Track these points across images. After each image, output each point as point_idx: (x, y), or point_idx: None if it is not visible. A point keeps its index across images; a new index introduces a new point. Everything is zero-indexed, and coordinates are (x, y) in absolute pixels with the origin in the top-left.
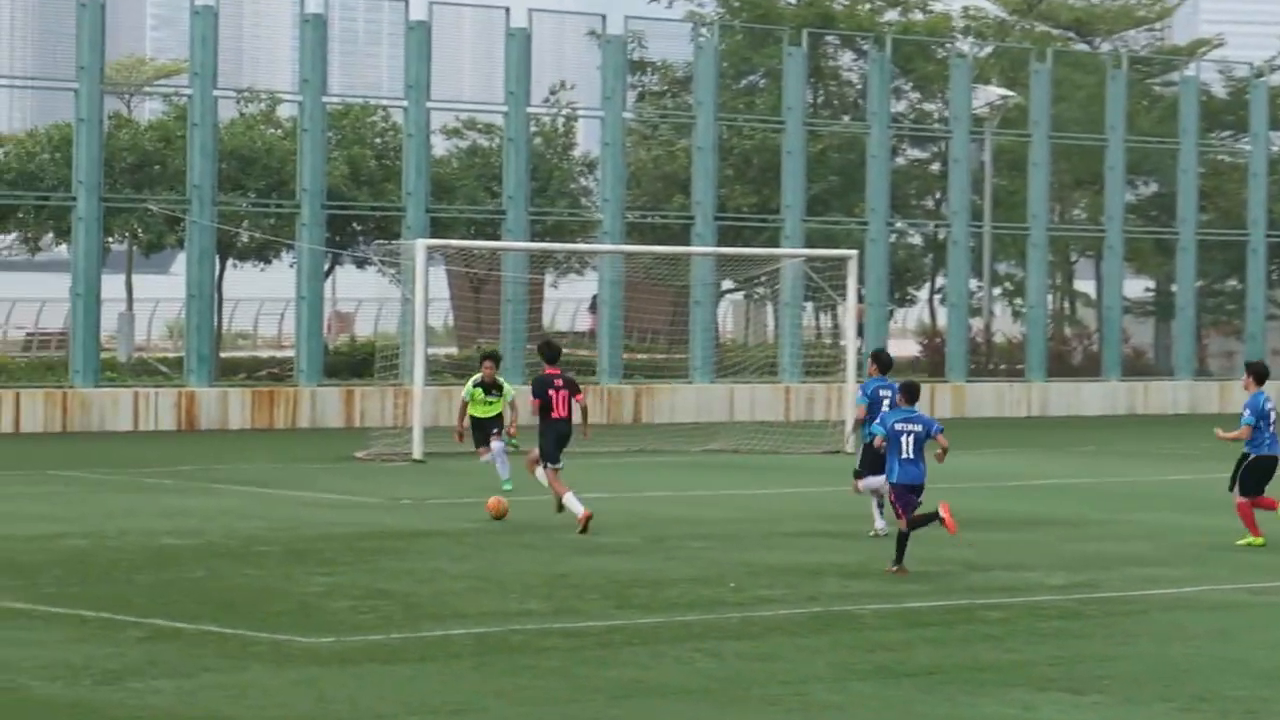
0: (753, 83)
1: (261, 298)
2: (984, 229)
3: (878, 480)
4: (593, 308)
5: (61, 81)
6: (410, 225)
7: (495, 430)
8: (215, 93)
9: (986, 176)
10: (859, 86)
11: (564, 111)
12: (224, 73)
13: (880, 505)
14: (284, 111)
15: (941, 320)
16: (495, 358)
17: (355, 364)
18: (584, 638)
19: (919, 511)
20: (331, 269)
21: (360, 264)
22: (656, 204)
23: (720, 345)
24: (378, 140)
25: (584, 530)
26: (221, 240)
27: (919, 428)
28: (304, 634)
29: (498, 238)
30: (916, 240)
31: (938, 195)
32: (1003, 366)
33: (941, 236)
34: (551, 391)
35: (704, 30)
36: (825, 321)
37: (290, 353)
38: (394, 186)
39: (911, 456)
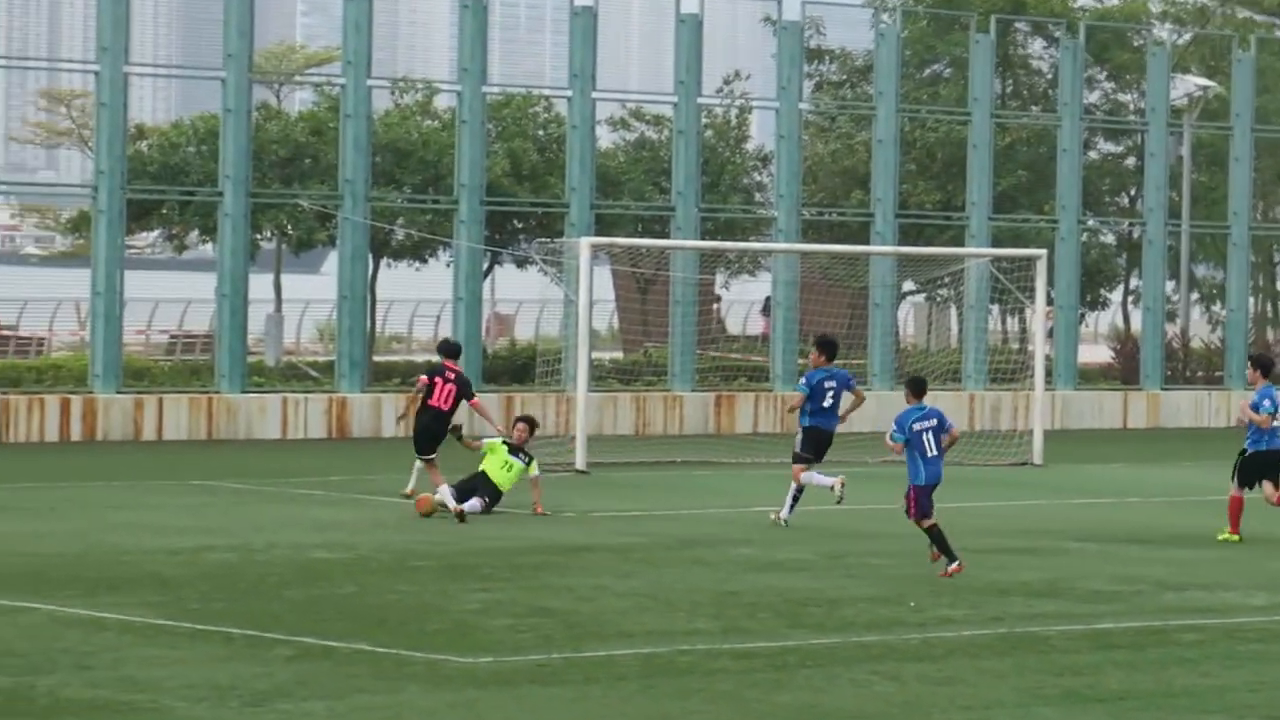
0: (937, 72)
1: (416, 299)
2: (1182, 228)
3: (826, 480)
4: (765, 310)
5: (208, 70)
6: (574, 222)
7: (486, 497)
8: (369, 82)
9: (1185, 172)
10: (1049, 76)
11: (737, 102)
12: (378, 61)
13: (797, 497)
14: (441, 102)
15: (1135, 324)
16: (531, 423)
17: (515, 369)
18: (755, 659)
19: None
20: (490, 268)
21: (521, 263)
22: (834, 200)
23: (901, 350)
24: (540, 132)
25: (428, 514)
26: (375, 238)
27: (934, 422)
28: (460, 653)
29: (666, 235)
30: (1109, 239)
31: (1132, 192)
32: (1200, 374)
33: (1136, 235)
34: (439, 379)
35: (886, 16)
36: (1012, 325)
37: None
38: (557, 181)
39: (936, 454)
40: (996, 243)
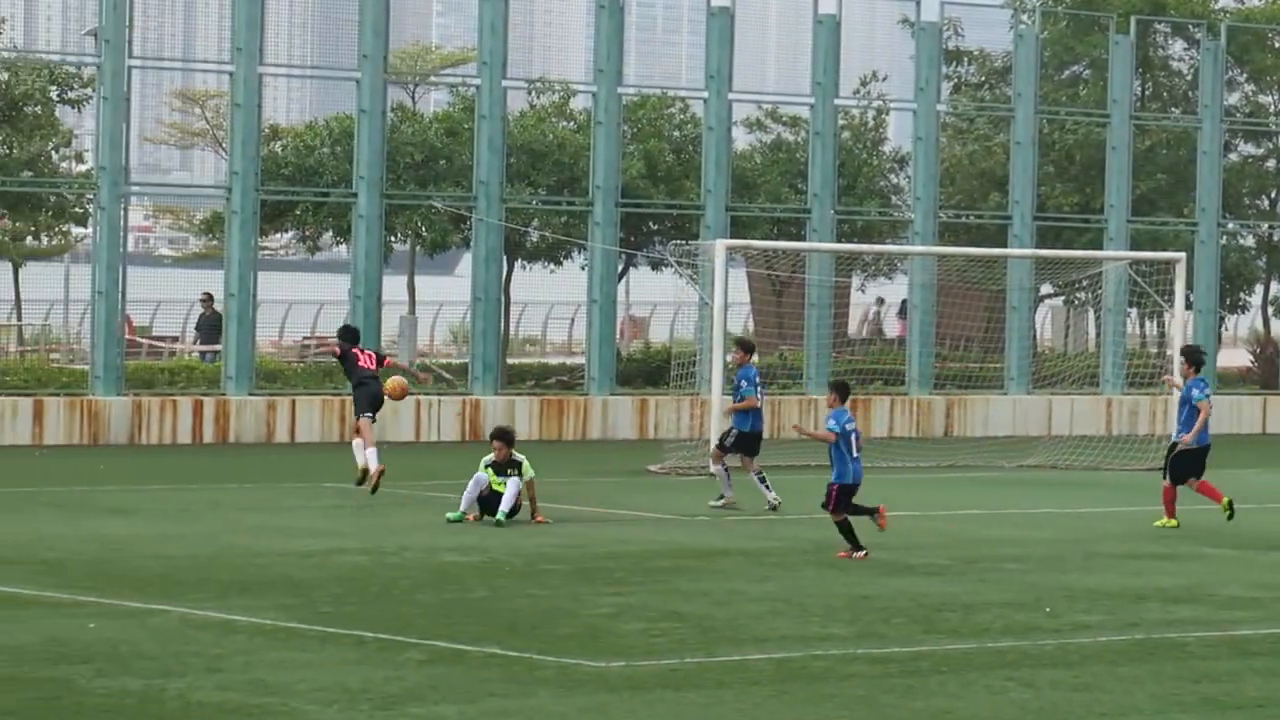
0: (1076, 73)
1: (551, 301)
2: None
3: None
4: (902, 313)
5: (342, 71)
6: (709, 224)
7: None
8: (504, 83)
9: None
10: (1190, 78)
11: (874, 104)
12: (514, 62)
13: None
14: (577, 103)
15: (1276, 328)
16: (506, 437)
17: (649, 371)
18: (889, 664)
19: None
20: (625, 271)
21: (656, 265)
22: (971, 203)
23: (1038, 354)
24: (675, 134)
25: (375, 488)
26: (509, 240)
27: (855, 425)
28: (592, 658)
29: (802, 238)
30: (1249, 242)
31: (1273, 194)
32: None
33: (1276, 238)
34: (357, 349)
35: (1025, 17)
36: (1150, 329)
37: (581, 359)
38: (692, 183)
39: (857, 455)
40: (1135, 246)
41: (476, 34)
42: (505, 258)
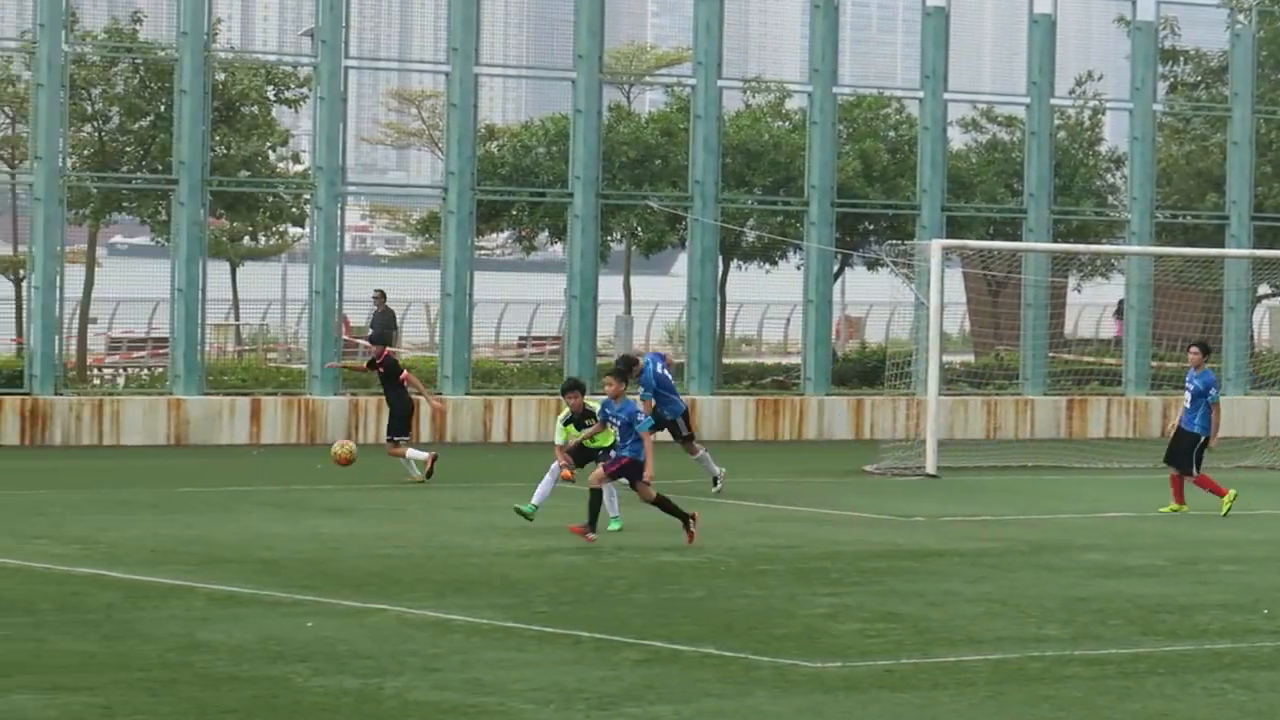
0: None
1: (766, 301)
2: None
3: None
4: (1119, 313)
5: (558, 71)
6: (925, 224)
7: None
8: (720, 83)
9: None
10: None
11: (1090, 103)
12: (729, 62)
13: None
14: (792, 103)
15: None
16: (579, 387)
17: (865, 371)
18: (1106, 665)
19: (666, 499)
20: (841, 271)
21: (871, 265)
22: (1188, 203)
23: (1255, 354)
24: (891, 133)
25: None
26: (725, 240)
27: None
28: (809, 658)
29: (1018, 238)
30: None
31: None
32: None
33: None
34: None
35: (1241, 16)
36: None
37: (796, 359)
38: (908, 183)
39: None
40: None
41: (692, 34)
42: (721, 257)
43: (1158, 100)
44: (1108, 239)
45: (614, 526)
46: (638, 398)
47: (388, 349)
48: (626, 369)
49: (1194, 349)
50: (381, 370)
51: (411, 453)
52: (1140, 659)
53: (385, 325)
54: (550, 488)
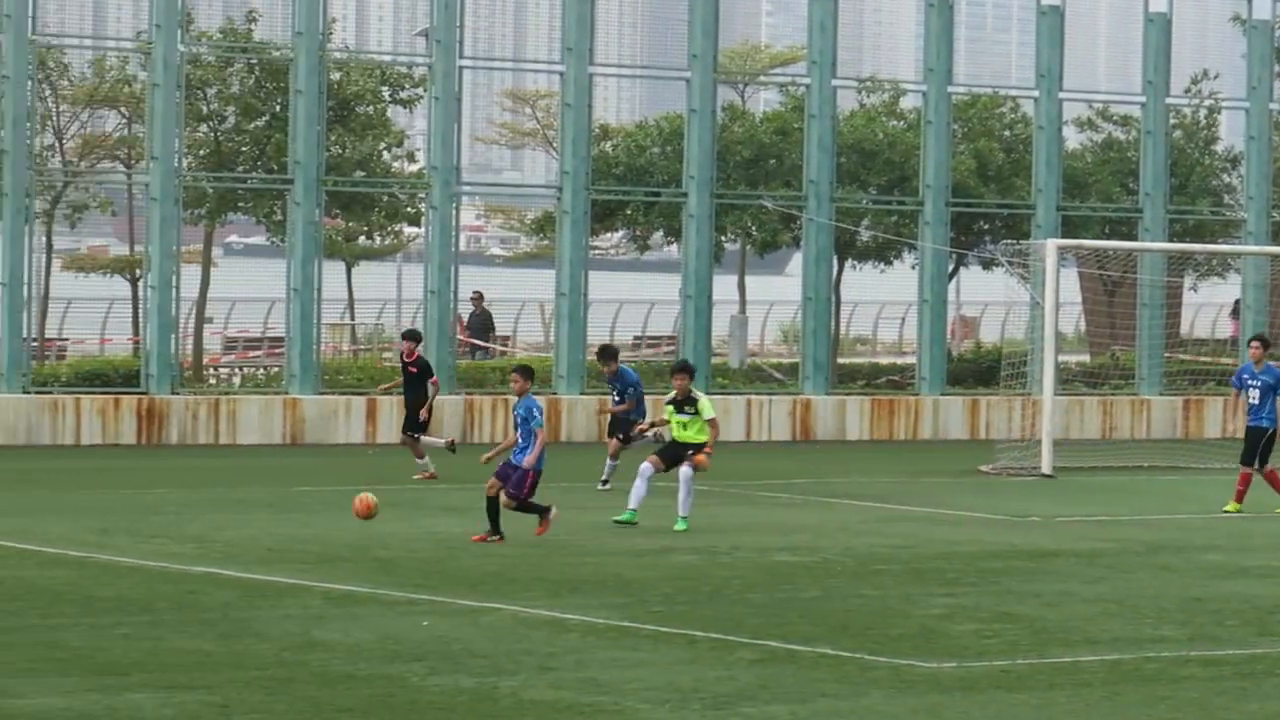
0: None
1: (881, 300)
2: None
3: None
4: (1235, 313)
5: (672, 70)
6: (1040, 224)
7: (690, 452)
8: (834, 82)
9: None
10: None
11: (1205, 103)
12: (843, 61)
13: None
14: (907, 102)
15: None
16: (686, 369)
17: (980, 371)
18: (1222, 666)
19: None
20: (956, 270)
21: (986, 265)
22: None
23: None
24: (1006, 133)
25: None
26: (840, 239)
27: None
28: (924, 658)
29: (1133, 237)
30: None
31: None
32: None
33: None
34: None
35: None
36: None
37: (911, 359)
38: (1023, 182)
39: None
40: None
41: (806, 33)
42: (835, 257)
43: (1274, 99)
44: (1224, 238)
45: (680, 527)
46: (612, 397)
47: (417, 350)
48: (612, 356)
49: (1254, 343)
50: (414, 370)
51: (427, 440)
52: (1257, 660)
53: (483, 325)
54: (645, 489)
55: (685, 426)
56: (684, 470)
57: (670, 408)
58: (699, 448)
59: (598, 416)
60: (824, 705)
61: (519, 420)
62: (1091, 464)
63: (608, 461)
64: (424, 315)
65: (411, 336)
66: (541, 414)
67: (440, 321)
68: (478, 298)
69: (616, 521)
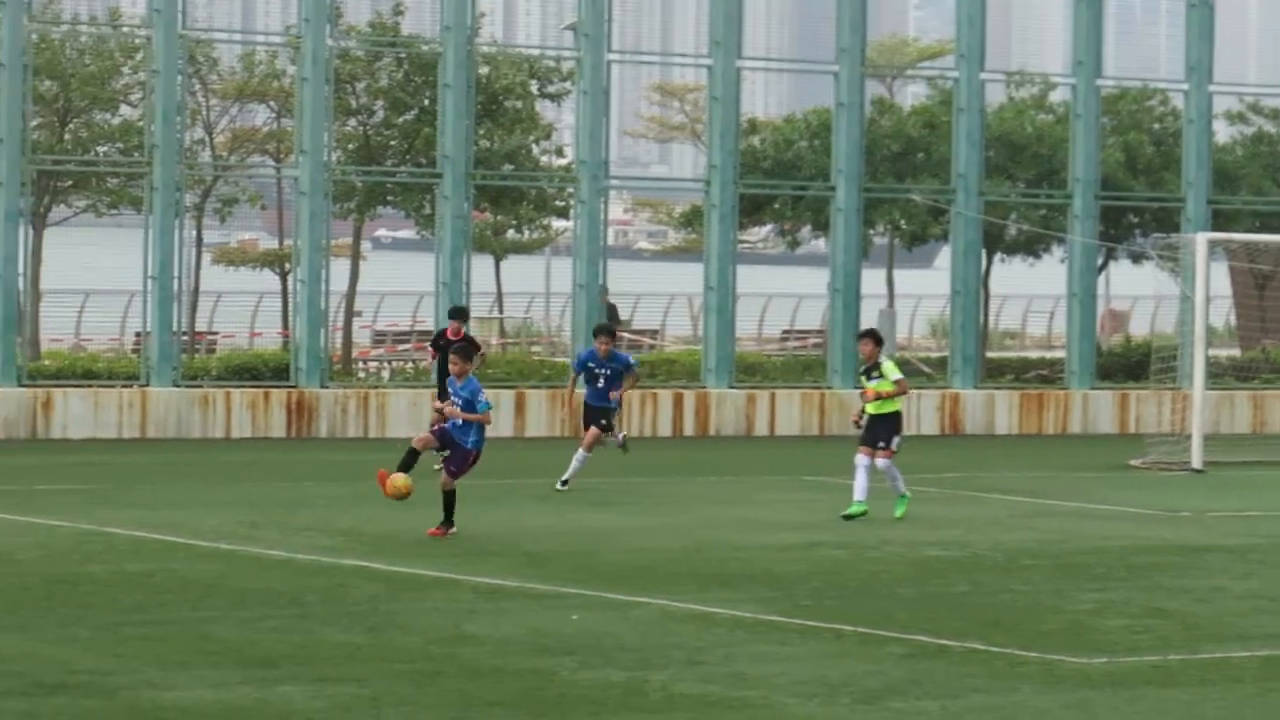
0: None
1: (1030, 294)
2: None
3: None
4: None
5: (820, 64)
6: (1190, 218)
7: (883, 436)
8: (982, 76)
9: None
10: None
11: None
12: (992, 54)
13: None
14: (1056, 95)
15: None
16: (874, 336)
17: (1130, 365)
18: None
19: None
20: (1105, 264)
21: (1136, 259)
22: None
23: None
24: (1155, 126)
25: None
26: (988, 233)
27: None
28: (1075, 654)
29: None
30: None
31: None
32: None
33: None
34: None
35: None
36: None
37: (1060, 353)
38: (1172, 176)
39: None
40: None
41: (954, 26)
42: (984, 250)
43: None
44: None
45: (898, 512)
46: (572, 373)
47: (464, 329)
48: (611, 334)
49: None
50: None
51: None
52: None
53: (609, 320)
54: (866, 480)
55: (878, 397)
56: (880, 464)
57: (862, 376)
58: (890, 432)
59: (566, 406)
60: (975, 701)
61: (460, 404)
62: (1242, 458)
63: (579, 454)
64: (572, 309)
65: (458, 315)
66: (486, 397)
67: (589, 315)
68: (603, 291)
69: (846, 516)
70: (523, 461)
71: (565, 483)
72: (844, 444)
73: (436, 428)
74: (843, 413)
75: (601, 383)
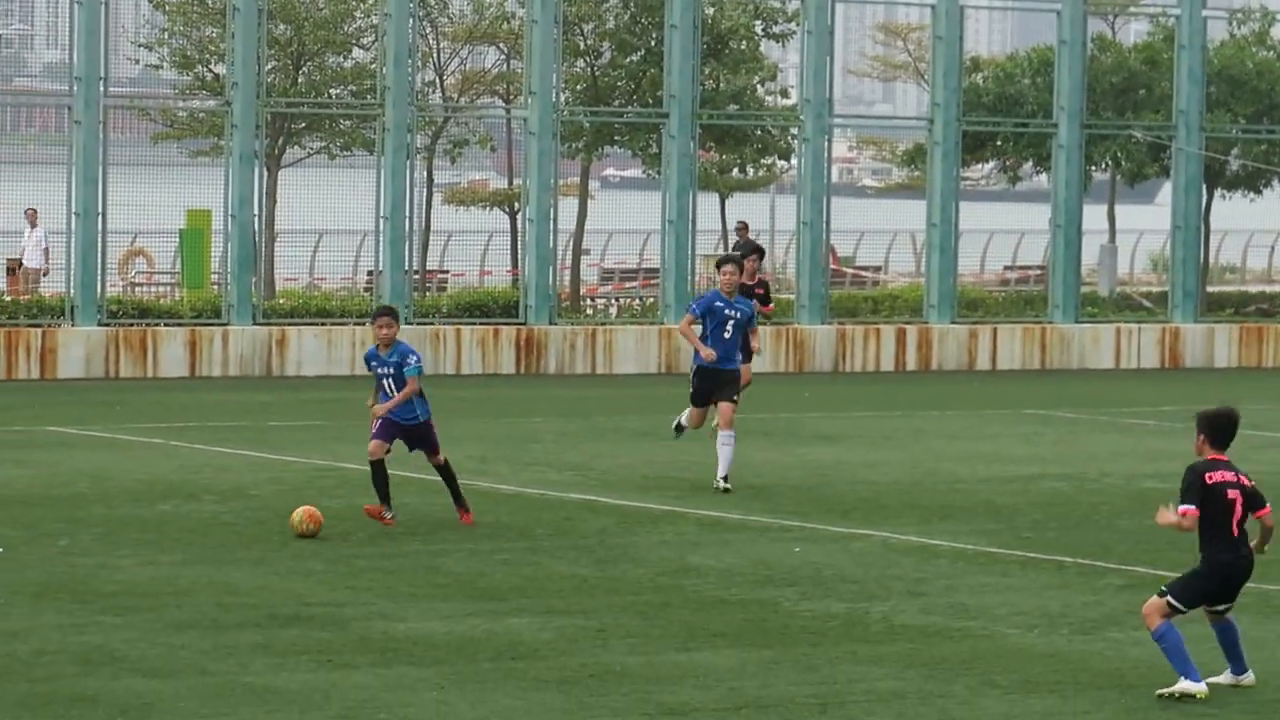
0: None
1: (1250, 229)
2: None
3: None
4: None
5: (1044, 3)
6: None
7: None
8: (1205, 13)
9: None
10: None
11: None
12: None
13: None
14: (1277, 32)
15: None
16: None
17: None
18: None
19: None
20: None
21: None
22: None
23: None
24: None
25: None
26: (1209, 169)
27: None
28: None
29: None
30: None
31: None
32: None
33: None
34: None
35: None
36: None
37: (1278, 288)
38: None
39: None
40: None
41: None
42: (1205, 186)
43: None
44: None
45: None
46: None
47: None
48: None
49: None
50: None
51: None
52: None
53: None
54: None
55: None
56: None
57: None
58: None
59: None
60: (1191, 631)
61: (391, 372)
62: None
63: (721, 437)
64: (796, 247)
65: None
66: (419, 360)
67: (813, 252)
68: (743, 228)
69: None
70: (749, 398)
71: (725, 479)
72: (1065, 377)
73: (376, 429)
74: (1063, 347)
75: (729, 331)
